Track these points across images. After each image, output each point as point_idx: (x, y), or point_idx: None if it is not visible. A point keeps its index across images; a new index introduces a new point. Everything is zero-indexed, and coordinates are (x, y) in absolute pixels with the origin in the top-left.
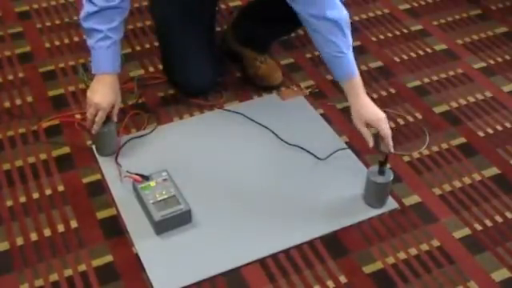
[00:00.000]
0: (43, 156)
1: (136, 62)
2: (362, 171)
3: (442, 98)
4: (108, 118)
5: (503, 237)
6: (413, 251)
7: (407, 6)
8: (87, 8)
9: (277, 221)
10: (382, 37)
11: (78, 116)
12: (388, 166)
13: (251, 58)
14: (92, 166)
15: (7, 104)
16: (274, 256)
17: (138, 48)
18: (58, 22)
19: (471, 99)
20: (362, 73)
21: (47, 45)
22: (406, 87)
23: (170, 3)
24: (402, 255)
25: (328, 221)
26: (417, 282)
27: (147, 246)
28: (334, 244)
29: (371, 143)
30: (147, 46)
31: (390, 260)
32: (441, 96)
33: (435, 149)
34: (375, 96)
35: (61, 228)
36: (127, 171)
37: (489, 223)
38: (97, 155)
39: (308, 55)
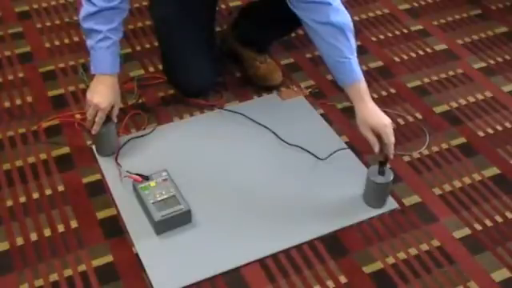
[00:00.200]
0: (43, 156)
1: (136, 62)
2: (362, 171)
3: (442, 98)
4: (108, 118)
5: (503, 237)
6: (413, 251)
7: (407, 6)
8: (87, 8)
9: (277, 221)
10: (382, 37)
11: (77, 116)
12: (388, 165)
13: (251, 58)
14: (92, 165)
15: (7, 104)
16: (274, 256)
17: (138, 48)
18: (57, 22)
19: (471, 99)
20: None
21: (47, 45)
22: (406, 87)
23: (170, 3)
24: (401, 255)
25: (328, 221)
26: (417, 282)
27: (147, 246)
28: (334, 244)
29: (377, 149)
30: (147, 45)
31: (390, 260)
32: (441, 96)
33: (435, 149)
34: (375, 96)
35: (61, 228)
36: (127, 171)
37: (489, 223)
38: (97, 155)
39: (308, 55)
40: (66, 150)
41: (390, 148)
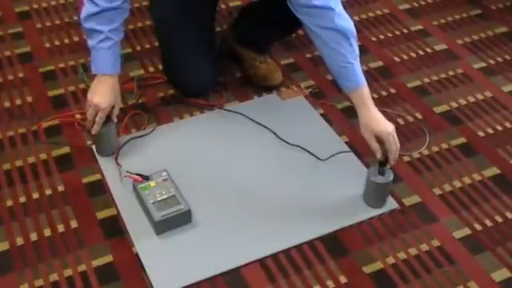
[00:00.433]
0: (43, 156)
1: (136, 62)
2: (362, 171)
3: (442, 98)
4: (108, 118)
5: (503, 237)
6: (413, 251)
7: (407, 6)
8: (88, 8)
9: (277, 221)
10: (382, 37)
11: (77, 116)
12: (388, 166)
13: (251, 58)
14: (92, 165)
15: (7, 104)
16: (274, 256)
17: (138, 48)
18: (58, 22)
19: (471, 99)
20: (361, 69)
21: (47, 45)
22: (406, 87)
23: (170, 3)
24: (401, 255)
25: (328, 221)
26: (417, 282)
27: (147, 246)
28: (334, 244)
29: (380, 156)
30: (147, 46)
31: (390, 260)
32: (441, 96)
33: (435, 149)
34: (375, 96)
35: (61, 228)
36: (127, 171)
37: (489, 223)
38: (97, 155)
39: (308, 55)
40: (66, 149)
41: (394, 155)
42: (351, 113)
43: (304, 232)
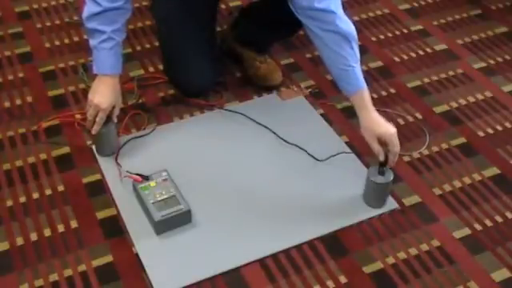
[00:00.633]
0: (43, 156)
1: (136, 62)
2: (362, 171)
3: (442, 98)
4: (108, 118)
5: (503, 237)
6: (413, 251)
7: (407, 6)
8: (91, 8)
9: (277, 221)
10: (382, 37)
11: (78, 116)
12: (388, 166)
13: (251, 58)
14: (92, 165)
15: (7, 104)
16: (274, 256)
17: (138, 48)
18: (58, 22)
19: (471, 99)
20: (362, 72)
21: (47, 45)
22: (406, 87)
23: (171, 3)
24: (402, 255)
25: (328, 221)
26: (417, 282)
27: (147, 246)
28: (334, 244)
29: (382, 158)
30: (147, 46)
31: (390, 260)
32: (441, 96)
33: (435, 149)
34: (375, 96)
35: (61, 228)
36: (127, 171)
37: (489, 223)
38: (97, 155)
39: (308, 55)
40: (66, 149)
41: (394, 156)
42: (351, 113)
43: (304, 232)
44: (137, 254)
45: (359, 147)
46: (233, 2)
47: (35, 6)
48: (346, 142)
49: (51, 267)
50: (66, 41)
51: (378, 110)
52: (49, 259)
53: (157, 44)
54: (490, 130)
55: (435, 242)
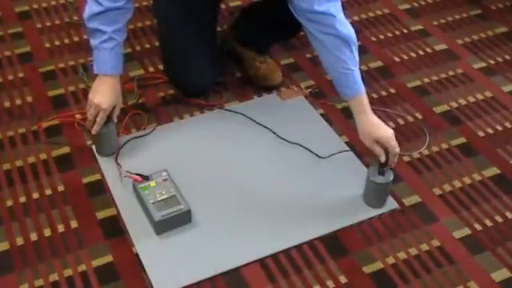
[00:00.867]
0: (43, 156)
1: (136, 62)
2: (362, 171)
3: (442, 98)
4: (108, 118)
5: (503, 237)
6: (413, 251)
7: (407, 6)
8: (92, 8)
9: (277, 221)
10: (382, 37)
11: (78, 116)
12: (388, 166)
13: (251, 58)
14: (92, 165)
15: (7, 104)
16: (274, 256)
17: (138, 48)
18: (58, 22)
19: (471, 99)
20: (361, 73)
21: (47, 45)
22: (406, 87)
23: (172, 3)
24: (402, 255)
25: (328, 221)
26: (417, 282)
27: (147, 246)
28: (334, 244)
29: (384, 159)
30: (147, 45)
31: (390, 260)
32: (441, 96)
33: (435, 149)
34: (375, 96)
35: (61, 228)
36: (127, 171)
37: (489, 223)
38: (97, 155)
39: (308, 55)
40: (66, 149)
41: (395, 157)
42: (351, 113)
43: (304, 232)
44: (137, 254)
45: (359, 147)
46: (233, 2)
47: (35, 6)
48: (346, 142)
49: (51, 267)
50: (66, 41)
51: (378, 110)
52: (49, 259)
53: (157, 44)
54: (490, 130)
55: (435, 241)
